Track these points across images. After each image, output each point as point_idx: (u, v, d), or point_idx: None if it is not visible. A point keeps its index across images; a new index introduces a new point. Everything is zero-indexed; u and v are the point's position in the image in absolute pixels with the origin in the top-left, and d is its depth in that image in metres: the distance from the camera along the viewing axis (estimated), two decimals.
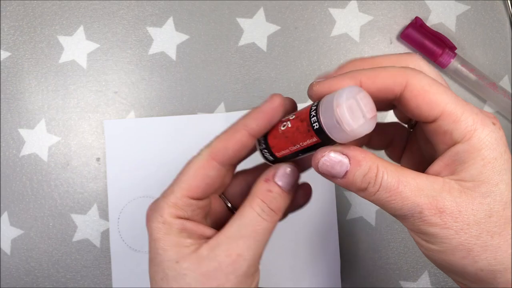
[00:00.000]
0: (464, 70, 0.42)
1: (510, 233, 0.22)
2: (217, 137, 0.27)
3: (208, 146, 0.27)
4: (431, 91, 0.22)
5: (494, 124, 0.22)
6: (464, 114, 0.22)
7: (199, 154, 0.27)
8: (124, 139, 0.43)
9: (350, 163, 0.23)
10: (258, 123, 0.25)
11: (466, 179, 0.22)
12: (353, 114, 0.21)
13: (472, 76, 0.42)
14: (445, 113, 0.22)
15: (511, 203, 0.22)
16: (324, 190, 0.41)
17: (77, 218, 0.44)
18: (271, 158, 0.26)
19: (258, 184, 0.26)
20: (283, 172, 0.26)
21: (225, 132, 0.27)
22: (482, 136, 0.22)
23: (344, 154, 0.23)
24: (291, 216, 0.41)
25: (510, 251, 0.22)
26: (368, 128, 0.21)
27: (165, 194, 0.27)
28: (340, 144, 0.22)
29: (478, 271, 0.22)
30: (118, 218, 0.43)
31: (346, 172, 0.23)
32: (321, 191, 0.41)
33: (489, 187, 0.22)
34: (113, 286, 0.43)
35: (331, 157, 0.23)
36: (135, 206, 0.43)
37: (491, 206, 0.22)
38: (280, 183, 0.26)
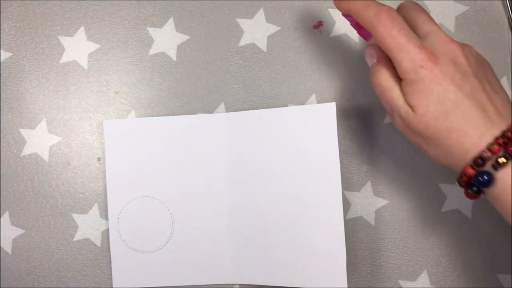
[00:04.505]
0: None
1: (443, 139, 0.32)
2: None
3: None
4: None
5: (421, 67, 0.32)
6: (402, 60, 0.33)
7: None
8: (123, 139, 0.43)
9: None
10: None
11: (412, 105, 0.33)
12: None
13: None
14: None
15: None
16: (329, 188, 0.42)
17: (78, 218, 0.44)
18: None
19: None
20: None
21: None
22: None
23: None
24: (295, 214, 0.41)
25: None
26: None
27: None
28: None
29: (434, 157, 0.33)
30: (118, 218, 0.43)
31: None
32: (327, 189, 0.42)
33: (422, 110, 0.32)
34: (114, 286, 0.43)
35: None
36: (135, 206, 0.43)
37: (427, 121, 0.32)
38: None
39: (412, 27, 0.34)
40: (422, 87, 0.32)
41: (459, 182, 0.32)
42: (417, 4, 0.36)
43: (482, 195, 0.32)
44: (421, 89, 0.32)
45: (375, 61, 0.35)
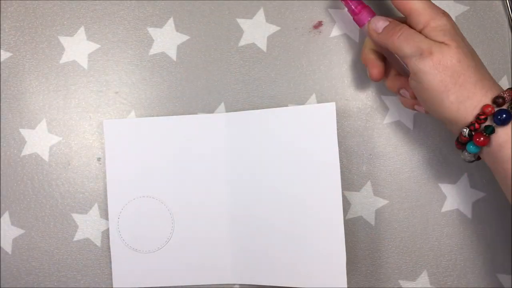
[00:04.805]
0: None
1: (471, 76, 0.34)
2: None
3: None
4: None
5: (443, 14, 0.36)
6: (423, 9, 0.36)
7: None
8: (123, 139, 0.43)
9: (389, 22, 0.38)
10: None
11: (444, 41, 0.35)
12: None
13: None
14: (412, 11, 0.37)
15: (467, 56, 0.35)
16: (329, 188, 0.41)
17: (78, 218, 0.44)
18: None
19: None
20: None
21: None
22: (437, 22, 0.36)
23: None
24: (295, 214, 0.41)
25: (471, 86, 0.34)
26: None
27: None
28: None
29: (450, 104, 0.34)
30: (118, 218, 0.43)
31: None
32: (326, 189, 0.41)
33: (455, 44, 0.35)
34: (114, 286, 0.43)
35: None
36: (135, 206, 0.43)
37: (459, 55, 0.34)
38: None
39: None
40: (449, 28, 0.35)
41: (470, 128, 0.34)
42: None
43: (477, 160, 0.36)
44: (449, 30, 0.35)
45: (387, 23, 0.38)
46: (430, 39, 0.35)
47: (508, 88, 0.33)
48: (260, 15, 0.45)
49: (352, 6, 0.39)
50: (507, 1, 0.44)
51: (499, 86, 0.34)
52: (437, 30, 0.35)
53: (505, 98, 0.33)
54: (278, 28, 0.44)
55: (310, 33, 0.44)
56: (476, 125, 0.34)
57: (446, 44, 0.35)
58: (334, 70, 0.44)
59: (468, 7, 0.44)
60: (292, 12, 0.44)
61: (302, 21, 0.44)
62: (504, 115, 0.33)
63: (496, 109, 0.33)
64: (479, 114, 0.34)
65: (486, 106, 0.33)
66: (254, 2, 0.45)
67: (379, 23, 0.38)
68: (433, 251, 0.43)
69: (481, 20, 0.44)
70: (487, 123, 0.33)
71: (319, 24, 0.44)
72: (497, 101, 0.33)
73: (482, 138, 0.34)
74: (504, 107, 0.33)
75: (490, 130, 0.34)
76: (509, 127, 0.33)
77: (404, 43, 0.36)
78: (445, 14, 0.36)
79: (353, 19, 0.40)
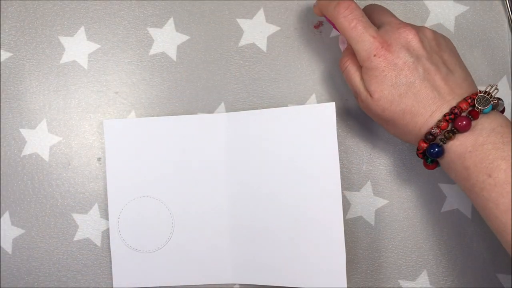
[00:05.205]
0: None
1: (399, 119, 0.35)
2: None
3: None
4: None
5: (374, 55, 0.35)
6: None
7: None
8: (124, 139, 0.43)
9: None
10: None
11: (370, 91, 0.36)
12: None
13: None
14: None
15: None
16: (329, 188, 0.41)
17: (78, 218, 0.44)
18: None
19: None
20: None
21: None
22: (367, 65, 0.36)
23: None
24: (295, 214, 0.41)
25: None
26: None
27: None
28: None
29: (393, 134, 0.37)
30: (118, 218, 0.43)
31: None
32: (326, 189, 0.41)
33: (377, 96, 0.35)
34: (114, 286, 0.43)
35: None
36: (135, 206, 0.43)
37: (383, 105, 0.35)
38: None
39: (370, 20, 0.37)
40: (376, 74, 0.35)
41: (417, 155, 0.36)
42: (373, 4, 0.40)
43: (438, 166, 0.37)
44: (376, 76, 0.35)
45: (345, 46, 0.39)
46: (364, 82, 0.36)
47: (444, 116, 0.33)
48: (260, 15, 0.45)
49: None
50: (507, 1, 0.44)
51: (439, 110, 0.34)
52: (368, 73, 0.36)
53: (434, 135, 0.34)
54: (278, 28, 0.45)
55: (310, 33, 0.44)
56: (419, 155, 0.36)
57: (370, 96, 0.36)
58: (334, 70, 0.44)
59: (468, 7, 0.44)
60: (292, 12, 0.45)
61: (302, 21, 0.45)
62: (436, 149, 0.34)
63: (429, 144, 0.34)
64: (417, 150, 0.36)
65: (420, 142, 0.35)
66: (254, 2, 0.45)
67: (340, 46, 0.41)
68: (433, 251, 0.43)
69: (481, 20, 0.44)
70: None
71: (319, 24, 0.44)
72: (428, 138, 0.34)
73: (428, 164, 0.36)
74: (437, 140, 0.34)
75: (430, 161, 0.36)
76: (452, 151, 0.34)
77: (346, 79, 0.39)
78: (381, 52, 0.35)
79: (334, 27, 0.43)
